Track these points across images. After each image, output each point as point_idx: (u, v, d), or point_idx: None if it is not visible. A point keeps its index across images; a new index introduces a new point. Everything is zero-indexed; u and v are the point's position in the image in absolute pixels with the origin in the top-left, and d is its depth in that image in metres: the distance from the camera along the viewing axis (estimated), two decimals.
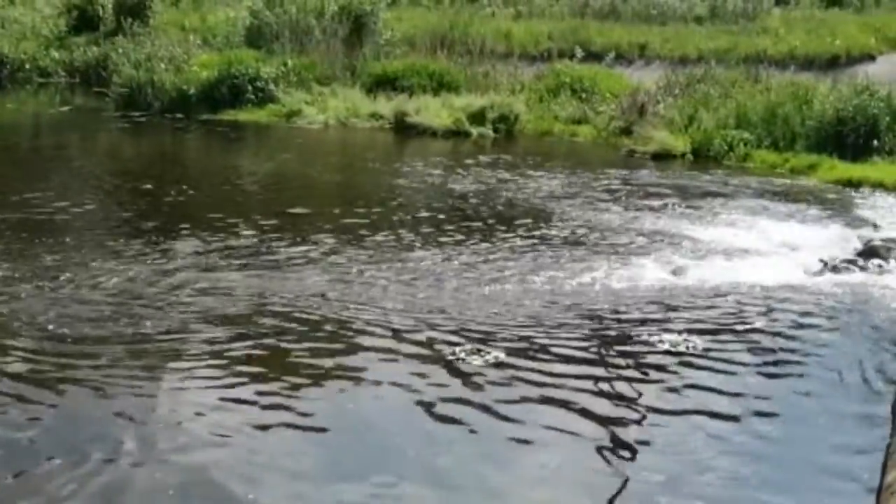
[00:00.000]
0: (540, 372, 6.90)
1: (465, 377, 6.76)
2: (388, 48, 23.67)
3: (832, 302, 8.66)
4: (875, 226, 11.62)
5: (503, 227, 11.14)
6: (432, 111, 19.38)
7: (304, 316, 7.85)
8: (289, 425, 6.05)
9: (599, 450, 5.78)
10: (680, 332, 7.63)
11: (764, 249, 10.29)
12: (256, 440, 5.81)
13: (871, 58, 21.30)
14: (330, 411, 6.33)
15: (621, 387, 6.75)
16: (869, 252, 9.96)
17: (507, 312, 8.08)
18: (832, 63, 21.24)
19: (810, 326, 8.04)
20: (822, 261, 9.70)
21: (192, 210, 12.00)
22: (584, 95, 20.17)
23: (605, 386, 6.77)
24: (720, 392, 6.66)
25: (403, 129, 19.05)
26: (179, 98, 20.96)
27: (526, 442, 5.89)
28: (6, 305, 7.83)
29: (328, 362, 7.02)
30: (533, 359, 7.13)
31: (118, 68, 22.47)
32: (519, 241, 10.49)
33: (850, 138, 15.72)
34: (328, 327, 7.64)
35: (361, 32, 23.75)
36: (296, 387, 6.59)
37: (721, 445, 5.88)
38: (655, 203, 12.71)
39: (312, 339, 7.43)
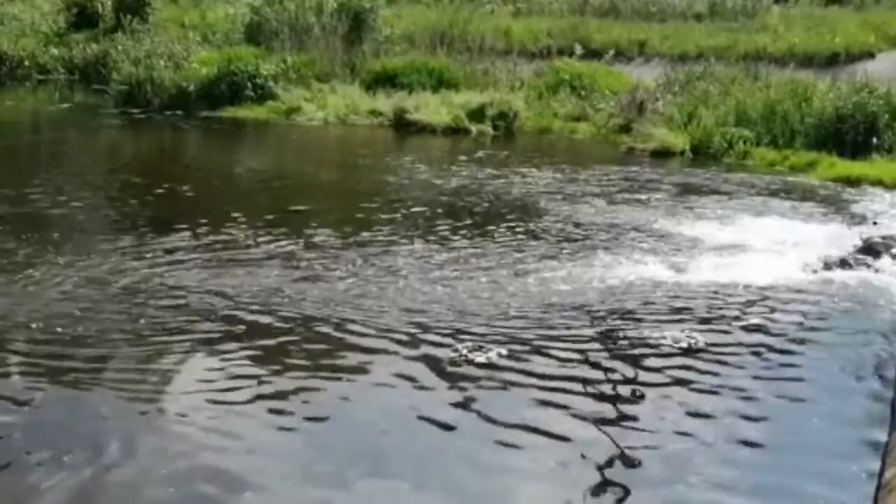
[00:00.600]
0: (537, 368, 6.91)
1: (464, 375, 6.76)
2: (387, 45, 23.67)
3: (831, 299, 8.66)
4: (874, 223, 11.62)
5: (500, 224, 11.13)
6: (432, 108, 19.37)
7: (293, 313, 7.85)
8: (280, 424, 6.07)
9: (595, 448, 5.79)
10: (679, 330, 7.63)
11: (763, 247, 10.29)
12: (252, 439, 5.81)
13: (871, 55, 21.31)
14: (322, 408, 6.33)
15: (619, 384, 6.76)
16: (868, 249, 9.95)
17: (507, 309, 8.08)
18: (832, 61, 21.25)
19: (809, 324, 8.05)
20: (821, 258, 9.70)
21: (188, 206, 12.03)
22: (583, 93, 20.15)
23: (603, 383, 6.77)
24: (718, 390, 6.66)
25: (403, 126, 19.04)
26: (179, 95, 20.97)
27: (521, 440, 5.88)
28: None
29: (319, 359, 7.03)
30: (531, 355, 7.13)
31: (118, 65, 22.45)
32: (517, 239, 10.50)
33: (849, 136, 15.73)
34: (323, 325, 7.64)
35: (361, 29, 23.75)
36: (289, 385, 6.60)
37: (720, 442, 5.88)
38: (654, 200, 12.71)
39: (305, 337, 7.43)
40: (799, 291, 8.81)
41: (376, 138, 18.53)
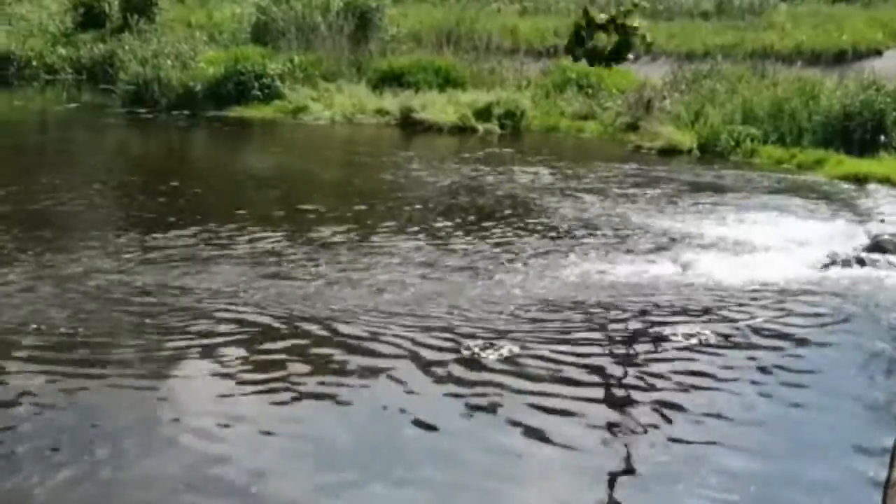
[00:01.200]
0: (549, 364, 6.89)
1: (475, 373, 6.75)
2: (393, 44, 23.70)
3: (839, 297, 8.64)
4: (882, 221, 11.59)
5: (506, 223, 11.13)
6: (438, 107, 19.37)
7: (296, 311, 7.86)
8: (284, 424, 6.07)
9: (605, 446, 5.78)
10: (686, 328, 7.62)
11: (770, 244, 10.27)
12: (255, 442, 5.81)
13: (878, 53, 21.30)
14: (325, 407, 6.33)
15: (630, 380, 6.75)
16: (876, 247, 9.93)
17: (518, 307, 8.07)
18: (839, 58, 21.25)
19: (816, 322, 8.02)
20: (828, 256, 9.68)
21: (194, 206, 12.04)
22: (590, 91, 20.15)
23: (613, 380, 6.77)
24: (725, 387, 6.65)
25: (409, 125, 19.06)
26: (186, 95, 21.02)
27: (531, 438, 5.87)
28: None
29: (321, 358, 7.01)
30: (542, 352, 7.10)
31: (125, 65, 22.51)
32: (526, 237, 10.49)
33: (856, 133, 15.69)
34: (320, 324, 7.65)
35: (367, 29, 23.78)
36: (292, 382, 6.60)
37: (730, 441, 5.87)
38: (661, 199, 12.70)
39: (300, 335, 7.43)
40: (806, 289, 8.79)
41: (383, 137, 18.54)
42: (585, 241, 10.40)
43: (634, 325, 7.81)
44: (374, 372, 6.77)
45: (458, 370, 6.81)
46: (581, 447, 5.75)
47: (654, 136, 17.13)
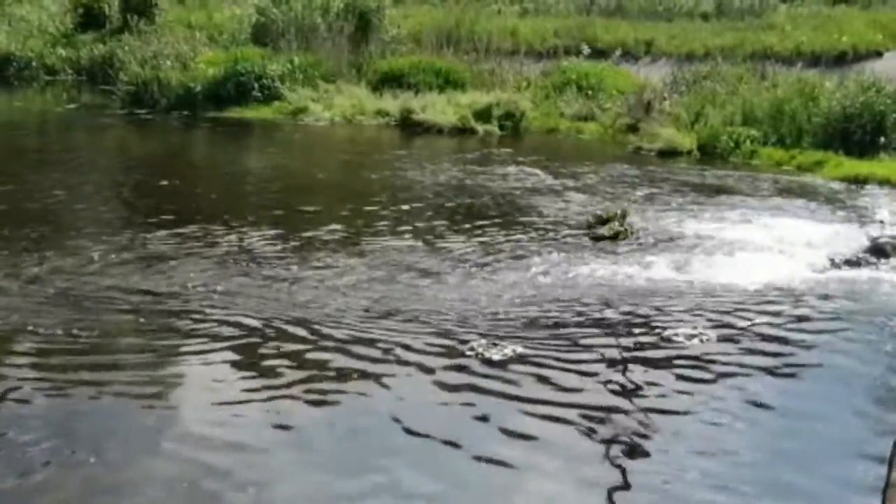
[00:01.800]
0: (548, 365, 6.89)
1: (473, 374, 6.75)
2: (393, 45, 23.65)
3: (839, 299, 8.63)
4: (881, 223, 11.59)
5: (509, 223, 11.13)
6: (438, 108, 19.37)
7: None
8: (287, 425, 6.05)
9: (607, 447, 5.77)
10: (686, 329, 7.61)
11: (770, 246, 10.27)
12: (256, 440, 5.80)
13: (879, 54, 21.25)
14: (326, 406, 6.32)
15: (629, 380, 6.74)
16: (876, 249, 9.93)
17: (517, 308, 8.07)
18: (839, 60, 21.19)
19: (817, 324, 8.02)
20: (828, 258, 9.68)
21: (189, 206, 12.04)
22: (590, 93, 20.12)
23: (612, 380, 6.76)
24: (724, 390, 6.64)
25: (409, 126, 19.06)
26: (186, 95, 21.02)
27: (524, 443, 5.86)
28: None
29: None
30: (542, 352, 7.10)
31: (124, 66, 22.51)
32: (524, 238, 10.49)
33: (856, 135, 15.68)
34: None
35: (367, 30, 23.74)
36: (293, 384, 6.59)
37: (730, 443, 5.87)
38: (660, 200, 12.69)
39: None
40: (805, 291, 8.79)
41: (383, 139, 18.53)
42: (583, 241, 10.39)
43: (631, 326, 7.80)
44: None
45: (450, 372, 6.81)
46: (575, 452, 5.74)
47: (654, 138, 17.12)
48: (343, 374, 6.75)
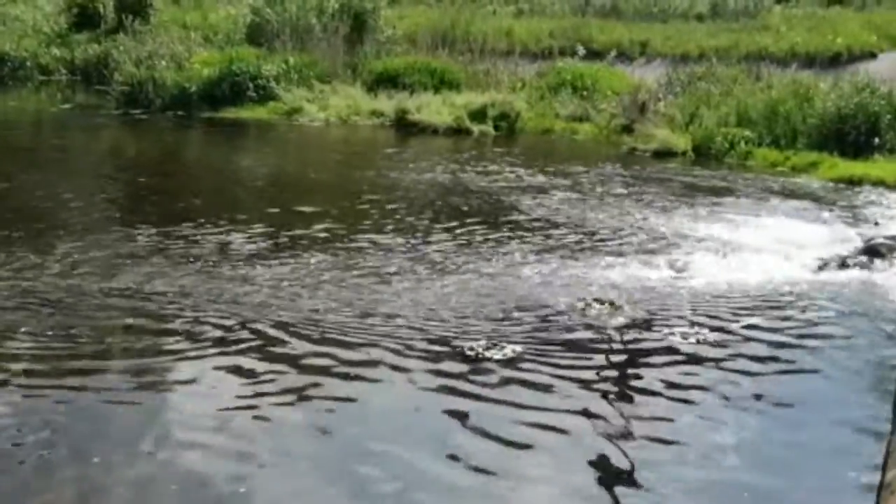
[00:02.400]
0: (541, 366, 6.88)
1: (469, 374, 6.74)
2: (388, 46, 23.66)
3: (833, 300, 8.64)
4: (876, 224, 11.61)
5: (504, 225, 11.13)
6: (433, 109, 19.38)
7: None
8: (286, 426, 6.05)
9: (600, 450, 5.77)
10: (679, 331, 7.62)
11: (764, 247, 10.27)
12: (256, 442, 5.80)
13: (873, 55, 21.28)
14: (326, 407, 6.31)
15: (624, 381, 6.75)
16: (870, 250, 9.94)
17: (513, 309, 8.06)
18: (833, 61, 21.22)
19: (810, 325, 8.03)
20: (822, 259, 9.69)
21: (179, 207, 12.06)
22: (585, 93, 20.15)
23: (607, 382, 6.76)
24: (720, 392, 6.64)
25: (404, 126, 19.06)
26: (180, 95, 21.01)
27: (528, 439, 5.86)
28: None
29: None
30: (537, 353, 7.10)
31: (119, 66, 22.50)
32: (520, 240, 10.48)
33: (851, 136, 15.70)
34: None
35: (362, 30, 23.76)
36: (293, 386, 6.58)
37: (724, 442, 5.87)
38: (655, 201, 12.70)
39: (306, 337, 7.41)
40: (800, 292, 8.79)
41: (377, 139, 18.52)
42: (578, 242, 10.39)
43: (627, 327, 7.80)
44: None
45: (470, 368, 6.81)
46: (566, 457, 5.73)
47: (649, 139, 17.14)
48: (329, 375, 6.73)
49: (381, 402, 6.41)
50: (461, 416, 6.12)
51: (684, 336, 7.54)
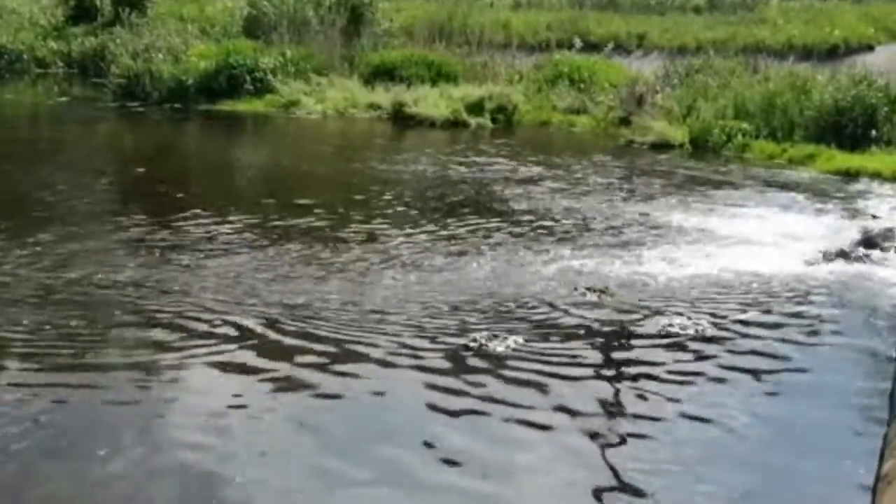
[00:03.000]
0: (544, 357, 6.88)
1: (470, 364, 6.74)
2: (385, 38, 23.63)
3: (830, 292, 8.65)
4: (873, 216, 11.62)
5: (501, 216, 11.14)
6: (430, 102, 19.36)
7: (292, 305, 7.85)
8: (283, 417, 6.05)
9: (598, 443, 5.78)
10: (673, 320, 7.62)
11: (761, 239, 10.28)
12: (252, 434, 5.80)
13: (870, 48, 21.26)
14: (324, 398, 6.31)
15: (619, 374, 6.75)
16: (867, 242, 9.95)
17: (511, 300, 8.07)
18: (831, 53, 21.20)
19: (808, 317, 8.03)
20: (820, 251, 9.69)
21: (179, 198, 12.05)
22: (582, 86, 20.13)
23: (606, 373, 6.77)
24: (718, 382, 6.65)
25: (401, 119, 19.05)
26: (177, 88, 20.98)
27: (526, 428, 5.86)
28: None
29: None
30: (536, 345, 7.10)
31: (116, 59, 22.48)
32: (516, 231, 10.49)
33: (848, 128, 15.69)
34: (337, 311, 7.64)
35: (359, 23, 23.71)
36: (291, 378, 6.58)
37: (723, 436, 5.88)
38: (652, 193, 12.71)
39: (306, 331, 7.41)
40: (798, 284, 8.79)
41: (374, 132, 18.51)
42: (576, 235, 10.40)
43: (624, 318, 7.81)
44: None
45: (459, 357, 6.80)
46: (565, 449, 5.73)
47: (646, 131, 17.14)
48: (318, 369, 6.73)
49: (383, 395, 6.40)
50: (465, 410, 6.13)
51: (682, 327, 7.55)
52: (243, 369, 6.66)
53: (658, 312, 7.91)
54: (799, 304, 8.32)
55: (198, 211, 10.96)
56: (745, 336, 7.53)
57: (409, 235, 10.16)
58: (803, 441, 5.91)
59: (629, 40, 23.73)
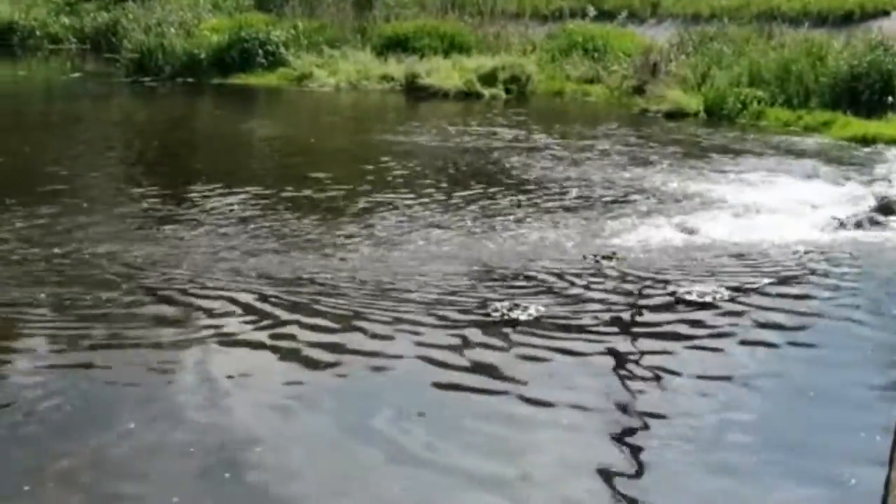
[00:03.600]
0: (562, 328, 6.88)
1: (483, 336, 6.74)
2: (398, 9, 23.56)
3: (847, 259, 8.61)
4: (889, 182, 11.55)
5: (515, 187, 11.11)
6: (443, 73, 19.31)
7: (304, 278, 7.86)
8: (298, 390, 6.07)
9: (615, 413, 5.78)
10: (697, 288, 7.60)
11: (777, 207, 10.23)
12: (269, 407, 5.81)
13: (886, 13, 21.04)
14: (343, 369, 6.32)
15: (641, 341, 6.75)
16: (883, 209, 9.91)
17: (525, 269, 8.06)
18: (846, 19, 20.99)
19: (825, 284, 8.00)
20: (836, 218, 9.65)
21: (192, 171, 12.10)
22: (596, 55, 20.06)
23: (625, 341, 6.76)
24: (737, 351, 6.64)
25: (414, 90, 19.02)
26: (190, 63, 21.00)
27: (542, 402, 5.86)
28: None
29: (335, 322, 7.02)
30: (556, 314, 7.09)
31: (128, 33, 22.51)
32: (531, 202, 10.47)
33: (864, 95, 15.61)
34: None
35: None
36: (308, 345, 6.60)
37: (738, 406, 5.87)
38: (667, 162, 12.67)
39: (321, 301, 7.42)
40: (813, 251, 8.76)
41: (387, 104, 18.49)
42: (593, 203, 10.38)
43: (642, 286, 7.79)
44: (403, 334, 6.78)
45: (471, 328, 6.80)
46: (581, 422, 5.73)
47: (661, 100, 17.07)
48: (344, 339, 6.74)
49: (406, 364, 6.40)
50: (490, 376, 6.14)
51: (702, 292, 7.52)
52: (250, 343, 6.64)
53: (673, 281, 7.88)
54: (815, 271, 8.28)
55: (211, 184, 10.96)
56: (763, 302, 7.48)
57: (424, 205, 10.15)
58: (819, 411, 5.88)
59: (643, 8, 23.56)
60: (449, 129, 15.02)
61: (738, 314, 7.23)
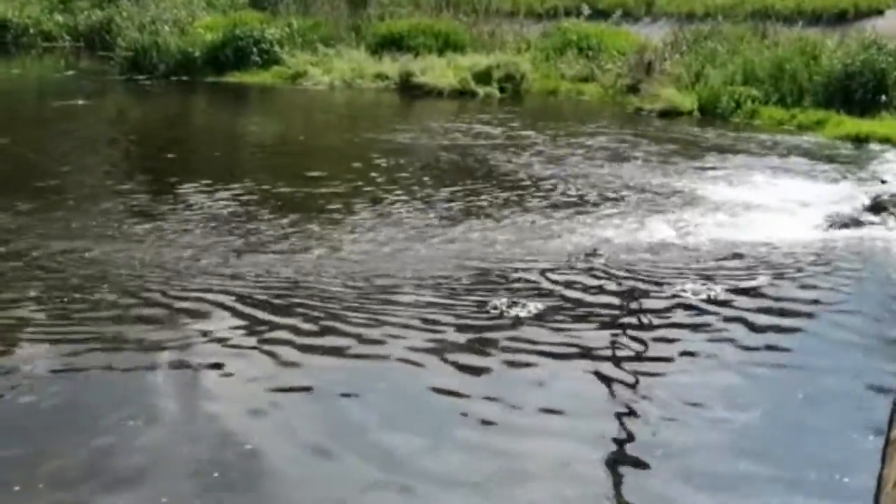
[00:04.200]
0: (559, 326, 6.88)
1: (482, 331, 6.75)
2: (392, 8, 23.57)
3: (840, 257, 8.62)
4: (882, 181, 11.57)
5: (510, 186, 11.12)
6: (438, 71, 19.32)
7: (297, 278, 7.86)
8: (296, 390, 6.07)
9: (612, 412, 5.79)
10: (691, 286, 7.61)
11: (771, 205, 10.25)
12: (267, 410, 5.81)
13: (880, 12, 21.10)
14: (339, 366, 6.32)
15: (636, 339, 6.76)
16: (876, 207, 9.92)
17: (525, 268, 8.06)
18: (840, 18, 21.05)
19: (818, 282, 8.00)
20: (829, 217, 9.67)
21: (186, 170, 12.06)
22: (590, 53, 20.08)
23: (620, 339, 6.77)
24: (731, 348, 6.64)
25: (409, 89, 19.02)
26: (184, 61, 20.99)
27: (541, 391, 5.87)
28: None
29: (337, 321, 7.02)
30: (551, 313, 7.10)
31: (122, 31, 22.48)
32: (525, 202, 10.47)
33: (857, 93, 15.64)
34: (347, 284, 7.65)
35: None
36: (311, 344, 6.60)
37: (734, 401, 5.88)
38: (661, 160, 12.68)
39: (314, 304, 7.42)
40: (807, 250, 8.77)
41: (382, 102, 18.48)
42: (586, 202, 10.38)
43: (634, 284, 7.80)
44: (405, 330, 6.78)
45: (469, 325, 6.81)
46: (585, 408, 5.75)
47: (655, 98, 17.08)
48: (347, 335, 6.74)
49: (405, 365, 6.40)
50: (486, 373, 6.15)
51: (696, 291, 7.53)
52: (236, 345, 6.64)
53: (666, 280, 7.89)
54: (807, 269, 8.29)
55: (199, 182, 10.94)
56: (757, 300, 7.49)
57: (413, 204, 10.15)
58: (814, 406, 5.90)
59: (637, 7, 23.61)
60: (442, 128, 15.02)
61: (732, 313, 7.23)
